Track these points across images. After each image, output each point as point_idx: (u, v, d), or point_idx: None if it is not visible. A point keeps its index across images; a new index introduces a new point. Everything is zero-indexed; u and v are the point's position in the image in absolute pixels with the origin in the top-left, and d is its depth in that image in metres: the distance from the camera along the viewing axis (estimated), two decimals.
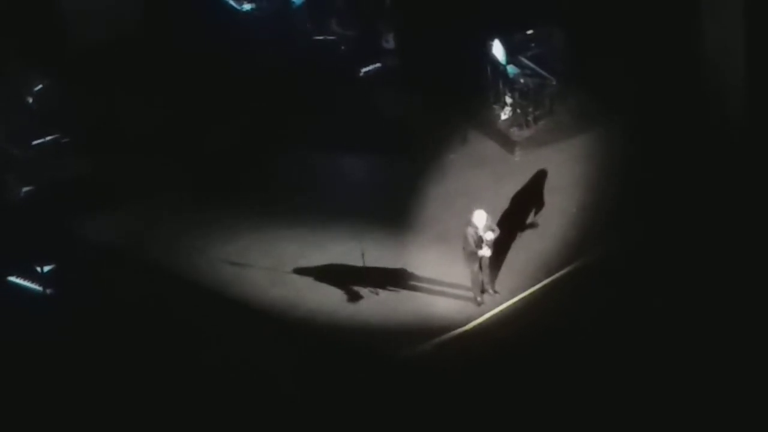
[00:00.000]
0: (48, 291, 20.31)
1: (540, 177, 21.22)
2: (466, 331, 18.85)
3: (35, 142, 23.32)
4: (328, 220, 21.03)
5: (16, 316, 19.83)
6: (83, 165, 22.87)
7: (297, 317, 19.41)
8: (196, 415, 18.03)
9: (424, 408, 17.63)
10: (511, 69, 22.51)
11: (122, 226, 21.63)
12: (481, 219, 18.44)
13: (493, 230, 18.58)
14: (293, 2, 25.39)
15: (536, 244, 20.01)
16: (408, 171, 21.94)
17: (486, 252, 18.53)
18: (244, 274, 20.29)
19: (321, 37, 25.07)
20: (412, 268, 19.92)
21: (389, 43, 24.60)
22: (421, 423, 17.50)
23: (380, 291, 19.59)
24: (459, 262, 18.99)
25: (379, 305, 19.43)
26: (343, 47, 24.87)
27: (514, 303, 19.20)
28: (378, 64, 24.46)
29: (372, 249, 19.87)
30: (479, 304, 19.15)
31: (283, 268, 20.27)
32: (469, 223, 18.48)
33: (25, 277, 20.51)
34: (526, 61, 22.60)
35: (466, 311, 19.11)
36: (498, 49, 22.54)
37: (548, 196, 20.85)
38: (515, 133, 22.39)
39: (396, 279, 19.75)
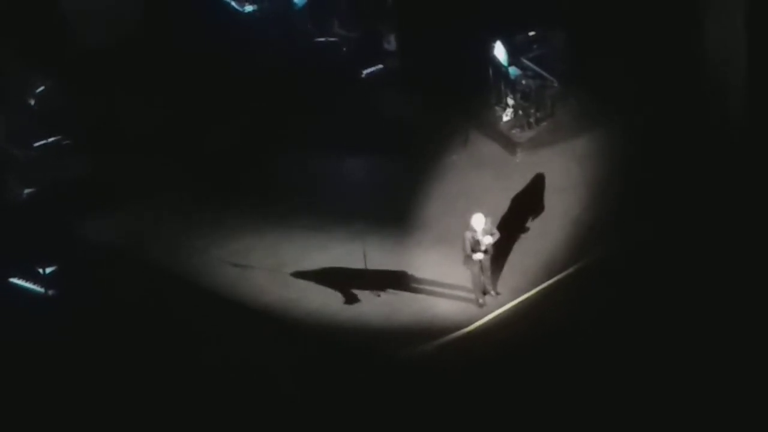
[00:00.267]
0: (49, 291, 20.28)
1: (541, 178, 21.21)
2: (468, 333, 18.83)
3: (36, 143, 23.27)
4: (329, 220, 21.00)
5: (17, 315, 19.81)
6: (84, 165, 22.84)
7: (298, 318, 19.40)
8: (196, 415, 17.99)
9: (425, 409, 17.61)
10: (513, 70, 22.50)
11: (122, 226, 21.61)
12: (479, 223, 18.41)
13: (492, 234, 18.55)
14: (295, 4, 25.38)
15: (538, 245, 19.99)
16: (409, 172, 21.93)
17: (478, 256, 18.49)
18: (245, 274, 20.26)
19: (323, 39, 25.04)
20: (413, 269, 19.91)
21: (390, 44, 24.58)
22: (421, 424, 17.48)
23: (382, 292, 19.58)
24: (460, 263, 18.94)
25: (380, 306, 19.42)
26: (344, 48, 24.85)
27: (516, 304, 19.19)
28: (380, 65, 24.44)
29: (373, 250, 19.85)
30: (481, 305, 19.13)
31: (285, 268, 20.24)
32: (467, 226, 18.44)
33: (25, 278, 20.48)
34: (528, 63, 22.59)
35: (468, 312, 19.11)
36: (500, 51, 22.53)
37: (550, 197, 20.83)
38: (517, 134, 22.39)
39: (397, 280, 19.73)
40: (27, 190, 22.67)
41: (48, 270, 20.44)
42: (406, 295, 19.56)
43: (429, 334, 18.84)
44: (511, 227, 20.05)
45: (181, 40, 24.78)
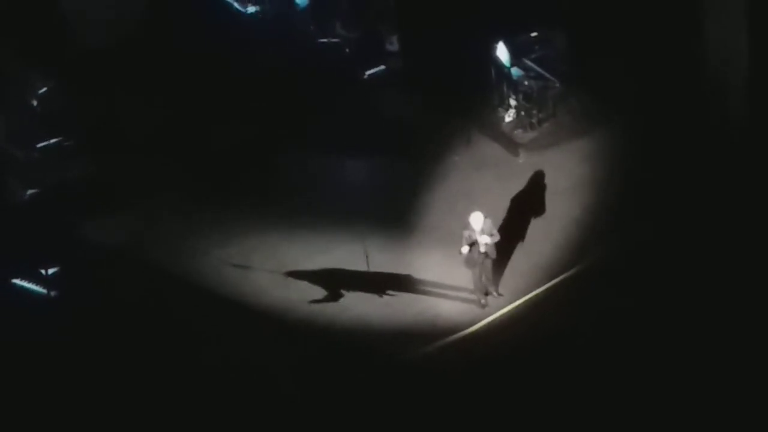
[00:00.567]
0: (49, 292, 20.26)
1: (544, 179, 21.19)
2: (469, 334, 18.79)
3: (36, 143, 23.23)
4: (331, 221, 20.96)
5: (17, 316, 19.79)
6: (84, 165, 22.82)
7: (299, 318, 19.38)
8: (197, 415, 17.99)
9: (426, 409, 17.61)
10: (515, 71, 22.47)
11: (123, 226, 21.59)
12: (477, 221, 18.35)
13: (491, 235, 18.49)
14: (297, 4, 25.35)
15: (540, 246, 19.97)
16: (411, 172, 21.89)
17: (464, 249, 18.34)
18: (246, 275, 20.24)
19: (325, 40, 25.01)
20: (415, 270, 19.88)
21: (392, 44, 24.55)
22: (422, 424, 17.47)
23: (383, 293, 19.54)
24: (461, 264, 18.87)
25: (381, 307, 19.39)
26: (346, 49, 24.82)
27: (518, 305, 19.16)
28: (381, 66, 24.41)
29: (375, 251, 19.83)
30: (482, 306, 19.08)
31: (286, 269, 20.19)
32: (466, 225, 18.40)
33: (26, 278, 20.44)
34: (530, 64, 22.57)
35: (469, 313, 19.07)
36: (502, 52, 22.50)
37: (552, 198, 20.80)
38: (519, 135, 22.36)
39: (398, 281, 19.70)
40: (28, 191, 22.64)
41: (49, 270, 20.42)
42: (407, 296, 19.52)
43: (430, 335, 18.82)
44: (512, 228, 20.03)
45: (182, 40, 24.81)
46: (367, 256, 19.55)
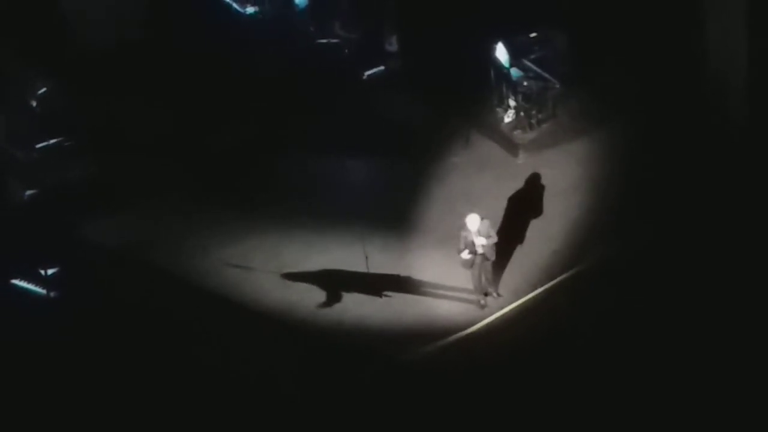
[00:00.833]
0: (50, 292, 20.26)
1: (543, 179, 21.17)
2: (469, 334, 18.81)
3: (37, 144, 23.21)
4: (331, 222, 20.95)
5: (19, 316, 19.80)
6: (84, 166, 22.79)
7: (299, 319, 19.38)
8: (197, 415, 18.01)
9: (426, 410, 17.61)
10: (515, 72, 22.46)
11: (123, 226, 21.57)
12: (474, 223, 18.35)
13: (489, 236, 18.50)
14: (297, 5, 25.34)
15: (539, 247, 19.97)
16: (411, 173, 21.89)
17: (464, 255, 18.43)
18: (246, 275, 20.24)
19: (324, 40, 24.99)
20: (414, 270, 19.88)
21: (392, 45, 24.54)
22: (422, 425, 17.49)
23: (383, 293, 19.54)
24: (461, 265, 18.89)
25: (381, 307, 19.40)
26: (346, 50, 24.81)
27: (517, 306, 19.16)
28: (381, 67, 24.41)
29: (375, 251, 19.82)
30: (482, 306, 19.09)
31: (286, 270, 20.20)
32: (462, 226, 18.42)
33: (27, 279, 20.44)
34: (530, 64, 22.55)
35: (469, 314, 19.08)
36: (501, 52, 22.50)
37: (551, 199, 20.81)
38: (518, 135, 22.34)
39: (398, 281, 19.71)
40: (28, 191, 22.63)
41: (49, 271, 20.42)
42: (407, 296, 19.53)
43: (430, 336, 18.83)
44: (512, 229, 20.04)
45: (182, 41, 24.76)
46: (366, 257, 19.54)
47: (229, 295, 19.94)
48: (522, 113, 22.42)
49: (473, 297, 19.12)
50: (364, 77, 24.36)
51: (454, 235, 18.74)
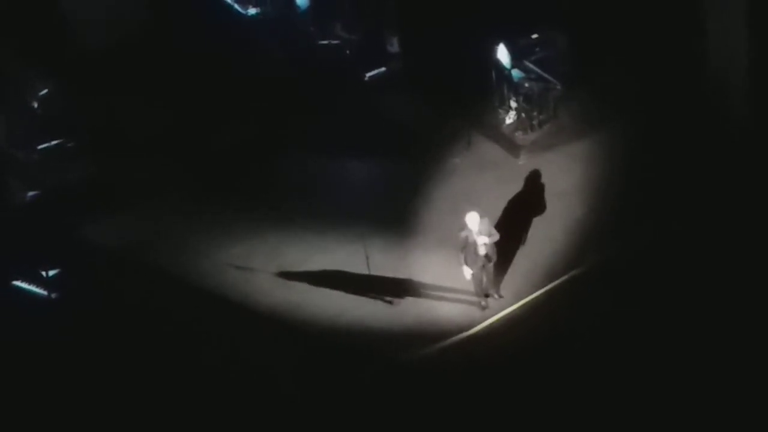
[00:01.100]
0: (51, 293, 20.25)
1: (544, 181, 21.16)
2: (470, 335, 18.79)
3: (37, 145, 23.20)
4: (331, 223, 20.94)
5: (19, 317, 19.80)
6: (85, 166, 22.80)
7: (300, 320, 19.36)
8: (197, 415, 18.00)
9: (426, 411, 17.60)
10: (516, 73, 22.46)
11: (123, 227, 21.57)
12: (473, 222, 18.30)
13: (490, 235, 18.47)
14: (298, 6, 25.35)
15: (540, 248, 19.95)
16: (411, 173, 21.87)
17: (467, 275, 18.45)
18: (247, 276, 20.22)
19: (325, 41, 25.00)
20: (415, 271, 19.86)
21: (393, 46, 24.55)
22: (422, 425, 17.47)
23: (383, 294, 19.51)
24: (462, 266, 18.85)
25: (382, 308, 19.38)
26: (347, 51, 24.81)
27: (518, 307, 19.15)
28: (382, 68, 24.40)
29: (376, 252, 19.80)
30: (483, 308, 19.07)
31: (286, 270, 20.17)
32: (463, 226, 18.39)
33: (27, 280, 20.43)
34: (531, 65, 22.56)
35: (470, 315, 19.06)
36: (502, 53, 22.49)
37: (553, 200, 20.79)
38: (520, 136, 22.34)
39: (399, 282, 19.69)
40: (28, 192, 22.63)
41: (49, 272, 20.41)
42: (408, 297, 19.51)
43: (431, 337, 18.80)
44: (513, 230, 20.00)
45: (183, 41, 24.80)
46: (367, 257, 19.52)
47: (229, 295, 19.93)
48: (523, 114, 22.42)
49: (474, 298, 19.08)
50: (365, 78, 24.35)
51: (456, 236, 18.71)
